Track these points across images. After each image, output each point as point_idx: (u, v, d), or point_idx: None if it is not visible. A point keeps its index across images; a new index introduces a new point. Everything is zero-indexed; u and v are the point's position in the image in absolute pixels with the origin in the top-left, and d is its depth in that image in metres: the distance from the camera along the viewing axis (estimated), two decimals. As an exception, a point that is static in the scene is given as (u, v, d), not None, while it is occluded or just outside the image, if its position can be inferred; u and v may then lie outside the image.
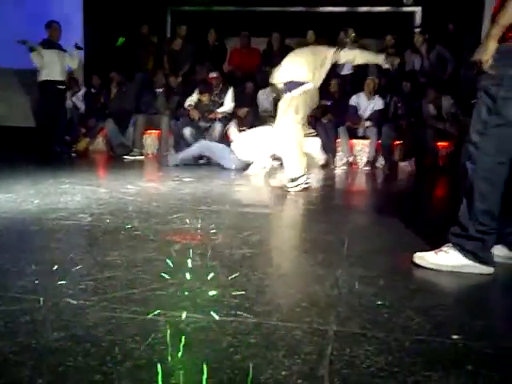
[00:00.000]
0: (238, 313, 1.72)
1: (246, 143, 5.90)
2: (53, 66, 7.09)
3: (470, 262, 2.21)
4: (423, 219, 3.67)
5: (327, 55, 4.67)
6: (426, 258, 2.29)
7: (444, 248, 2.28)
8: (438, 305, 1.85)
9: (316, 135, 7.12)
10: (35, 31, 7.16)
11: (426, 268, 2.26)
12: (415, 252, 2.36)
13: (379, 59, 4.84)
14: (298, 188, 4.51)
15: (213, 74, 7.46)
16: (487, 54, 2.09)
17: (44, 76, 7.07)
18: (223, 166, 6.14)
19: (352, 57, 4.88)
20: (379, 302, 1.84)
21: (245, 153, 5.84)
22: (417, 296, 1.93)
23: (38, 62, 7.02)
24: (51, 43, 7.15)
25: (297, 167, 4.53)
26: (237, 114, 7.56)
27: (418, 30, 7.90)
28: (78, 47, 7.37)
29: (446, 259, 2.25)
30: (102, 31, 8.89)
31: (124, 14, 9.03)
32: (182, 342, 1.47)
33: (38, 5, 8.45)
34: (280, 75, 4.71)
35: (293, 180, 4.51)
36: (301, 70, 4.54)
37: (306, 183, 4.58)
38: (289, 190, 4.51)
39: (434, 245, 2.44)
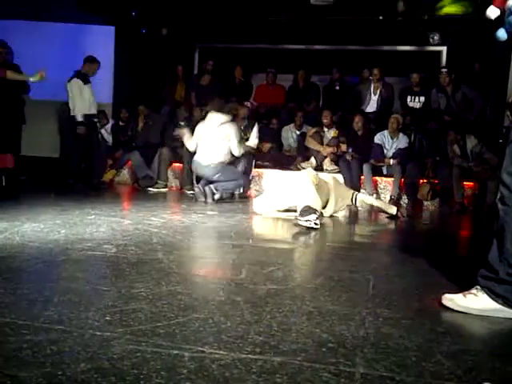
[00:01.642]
0: (263, 351, 1.70)
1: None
2: (89, 100, 7.21)
3: (500, 306, 2.17)
4: (448, 260, 3.62)
5: (347, 196, 5.56)
6: (455, 301, 2.24)
7: (473, 291, 2.24)
8: (468, 349, 1.81)
9: (339, 172, 7.14)
10: (67, 66, 7.34)
11: (454, 310, 2.22)
12: (441, 293, 2.33)
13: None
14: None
15: (247, 104, 7.55)
16: None
17: (80, 109, 7.16)
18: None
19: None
20: (407, 345, 1.81)
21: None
22: (445, 339, 1.89)
23: (75, 92, 7.11)
24: (86, 78, 7.26)
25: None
26: (260, 149, 7.61)
27: (444, 70, 7.91)
28: None
29: (475, 302, 2.20)
30: (131, 65, 9.09)
31: (153, 50, 9.25)
32: (207, 380, 1.46)
33: (70, 39, 8.69)
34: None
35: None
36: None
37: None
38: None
39: (458, 285, 2.41)
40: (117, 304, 2.10)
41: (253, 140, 7.19)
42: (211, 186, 6.22)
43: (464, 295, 2.24)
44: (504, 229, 2.16)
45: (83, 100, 7.13)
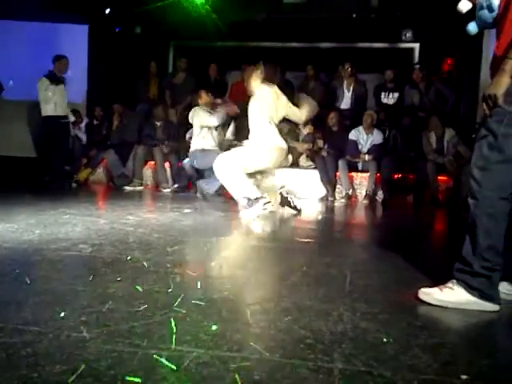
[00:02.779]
0: (241, 348, 1.69)
1: None
2: (58, 101, 7.12)
3: (476, 299, 2.20)
4: (424, 254, 3.66)
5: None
6: (432, 295, 2.27)
7: (449, 284, 2.26)
8: (445, 342, 1.83)
9: (315, 168, 7.18)
10: (40, 65, 7.24)
11: (431, 304, 2.24)
12: (417, 287, 2.35)
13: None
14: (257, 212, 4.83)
15: (217, 101, 7.53)
16: (502, 87, 2.08)
17: (49, 110, 7.09)
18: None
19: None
20: (384, 339, 1.82)
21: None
22: (422, 333, 1.91)
23: (44, 93, 7.05)
24: (56, 77, 7.18)
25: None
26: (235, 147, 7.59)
27: (417, 66, 8.00)
28: None
29: (452, 296, 2.23)
30: (105, 63, 8.99)
31: (127, 47, 9.16)
32: (185, 378, 1.45)
33: (44, 39, 8.57)
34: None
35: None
36: None
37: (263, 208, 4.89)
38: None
39: (434, 280, 2.44)
40: (93, 304, 2.08)
41: (229, 137, 7.17)
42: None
43: (440, 289, 2.27)
44: (475, 223, 2.19)
45: (47, 100, 7.04)
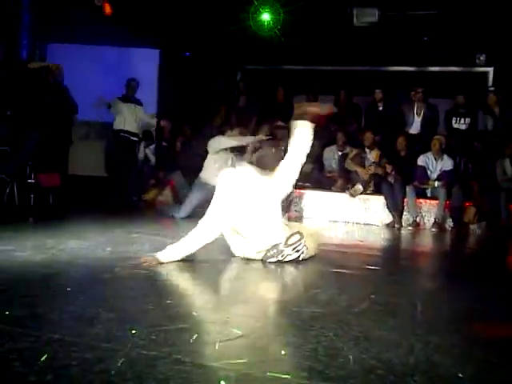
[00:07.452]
0: (310, 375, 1.66)
1: None
2: (127, 117, 7.38)
3: None
4: (495, 285, 3.50)
5: None
6: None
7: None
8: (524, 381, 1.74)
9: (380, 193, 7.05)
10: (112, 87, 7.53)
11: (506, 340, 2.11)
12: (490, 321, 2.24)
13: None
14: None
15: (279, 123, 7.55)
16: None
17: (117, 125, 7.38)
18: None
19: None
20: (459, 374, 1.74)
21: None
22: (500, 370, 1.82)
23: (114, 111, 7.37)
24: (127, 98, 7.49)
25: None
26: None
27: (491, 89, 7.77)
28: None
29: None
30: (175, 86, 9.22)
31: (197, 70, 9.36)
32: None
33: (115, 60, 8.88)
34: None
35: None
36: None
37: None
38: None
39: (507, 313, 2.32)
40: (162, 322, 2.09)
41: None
42: None
43: None
44: None
45: (119, 114, 7.42)
